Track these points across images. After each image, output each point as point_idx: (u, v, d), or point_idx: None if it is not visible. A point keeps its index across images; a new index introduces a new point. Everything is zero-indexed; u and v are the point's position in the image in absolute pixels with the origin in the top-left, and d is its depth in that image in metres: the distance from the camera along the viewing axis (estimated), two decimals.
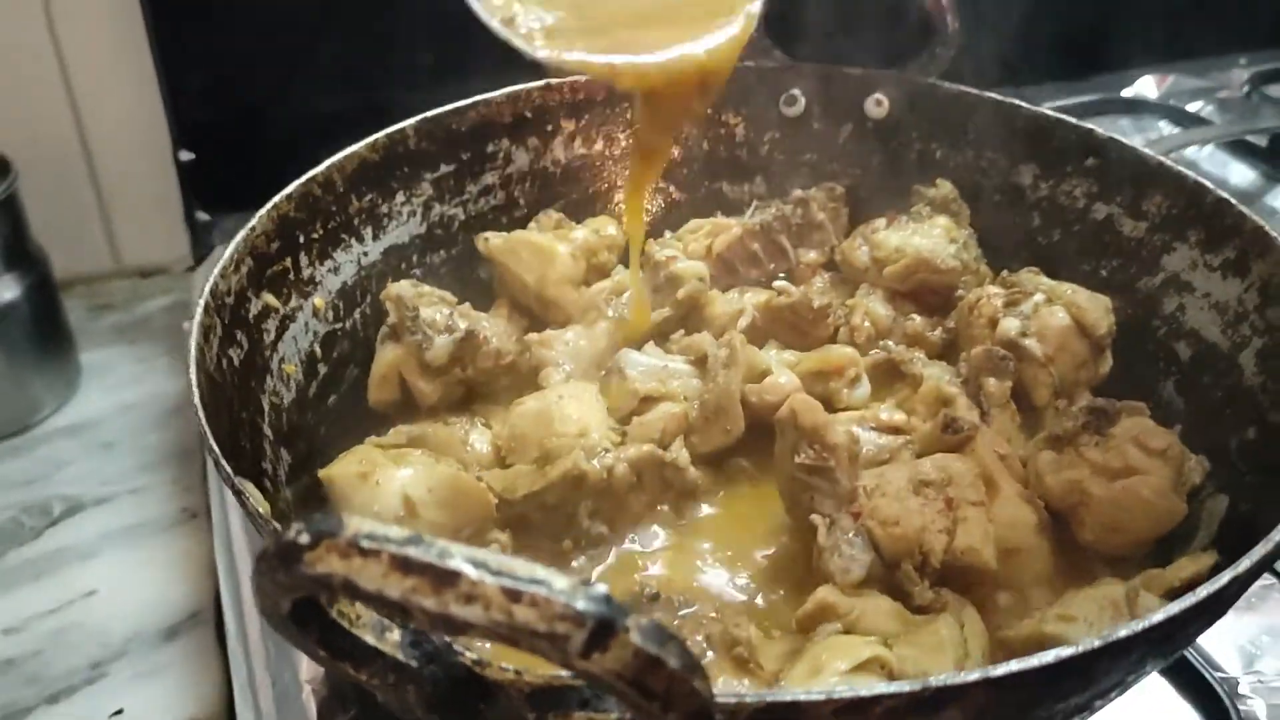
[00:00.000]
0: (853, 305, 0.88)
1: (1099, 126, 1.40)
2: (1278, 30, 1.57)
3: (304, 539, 0.37)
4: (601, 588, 0.37)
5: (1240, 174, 1.36)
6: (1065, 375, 0.81)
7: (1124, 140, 0.86)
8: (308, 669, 0.71)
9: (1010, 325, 0.81)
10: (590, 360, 0.85)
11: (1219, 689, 0.70)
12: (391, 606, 0.37)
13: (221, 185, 1.18)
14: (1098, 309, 0.80)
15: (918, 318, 0.87)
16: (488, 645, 0.53)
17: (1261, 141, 1.35)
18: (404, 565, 0.37)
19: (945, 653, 0.60)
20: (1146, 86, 1.52)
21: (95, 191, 1.17)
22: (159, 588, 0.85)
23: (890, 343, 0.85)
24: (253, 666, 0.73)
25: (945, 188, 0.93)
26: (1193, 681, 0.71)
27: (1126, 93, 1.50)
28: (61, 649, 0.80)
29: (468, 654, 0.45)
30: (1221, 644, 0.74)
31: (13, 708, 0.76)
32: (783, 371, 0.79)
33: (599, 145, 0.99)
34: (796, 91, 0.99)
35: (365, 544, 0.37)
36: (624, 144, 0.99)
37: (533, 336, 0.85)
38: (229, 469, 0.55)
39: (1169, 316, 0.81)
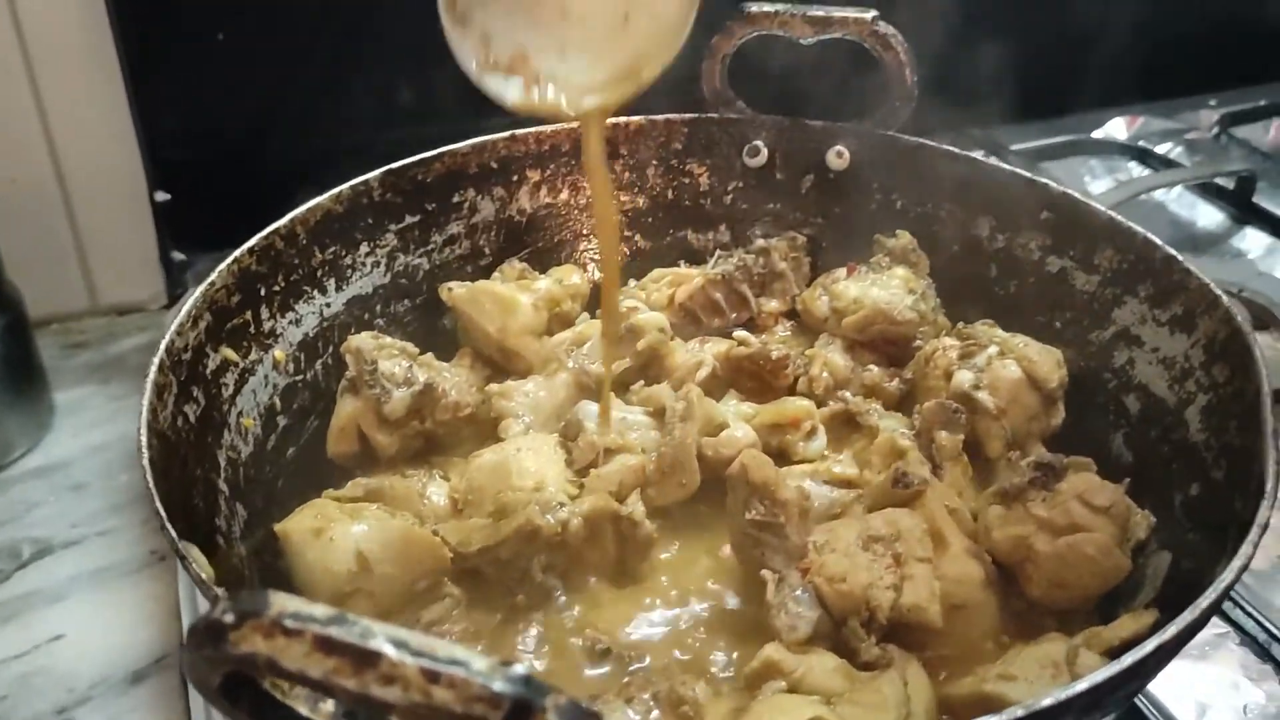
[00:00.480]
0: (812, 355, 0.89)
1: (1070, 168, 1.45)
2: (1247, 71, 1.59)
3: (229, 618, 0.38)
4: (519, 668, 0.37)
5: (1208, 216, 1.37)
6: (1018, 427, 0.82)
7: (1077, 195, 0.87)
8: None
9: (964, 378, 0.82)
10: (550, 411, 0.85)
11: None
12: (314, 685, 0.38)
13: (196, 225, 1.19)
14: (1049, 362, 0.82)
15: (875, 368, 0.89)
16: None
17: (1229, 184, 1.37)
18: (326, 645, 0.38)
19: (888, 712, 0.61)
20: (1117, 128, 1.54)
21: (72, 231, 1.18)
22: (126, 632, 0.85)
23: (848, 394, 0.86)
24: (212, 714, 0.73)
25: (904, 238, 0.94)
26: None
27: (1097, 134, 1.51)
28: (27, 694, 0.80)
29: None
30: (1176, 694, 0.74)
31: None
32: (739, 425, 0.80)
33: (564, 194, 1.00)
34: (759, 143, 1.01)
35: (289, 623, 0.38)
36: (588, 192, 1.00)
37: (493, 387, 0.86)
38: (174, 533, 0.56)
39: (1119, 370, 0.82)
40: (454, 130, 0.95)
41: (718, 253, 0.99)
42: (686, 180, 1.02)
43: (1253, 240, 1.32)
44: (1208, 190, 1.38)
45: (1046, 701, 0.46)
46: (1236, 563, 0.53)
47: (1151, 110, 1.55)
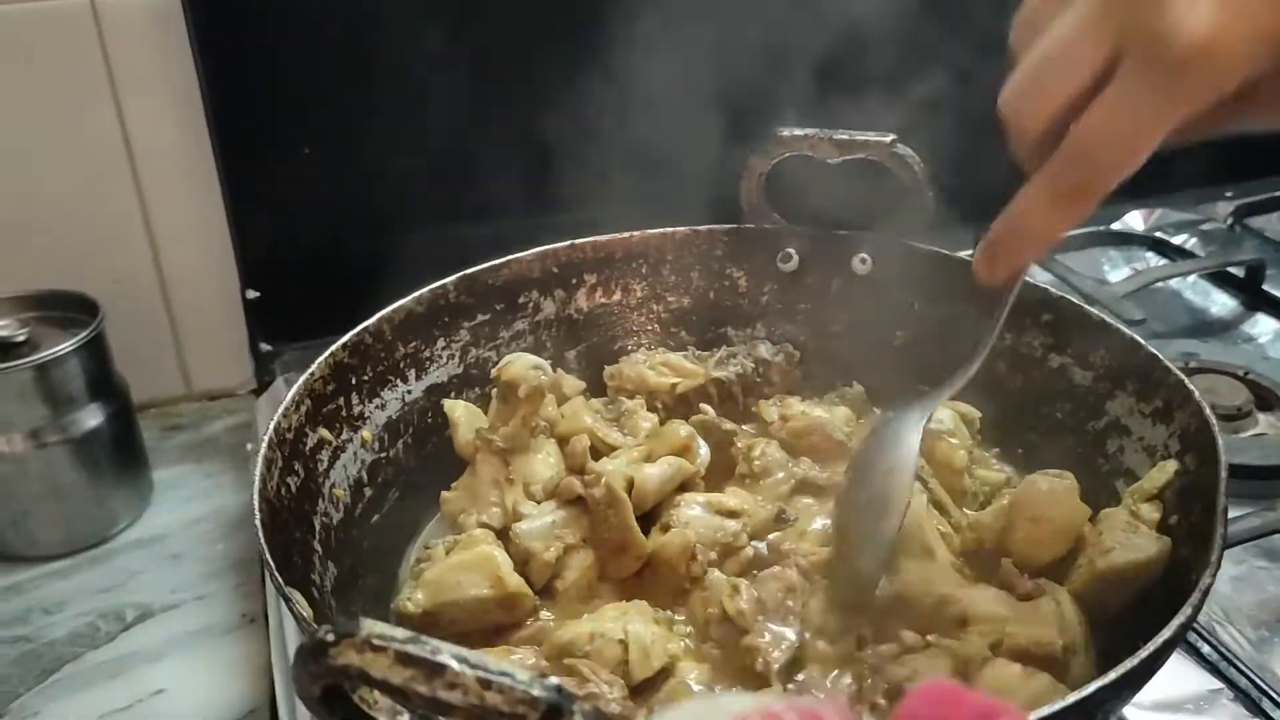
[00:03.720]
0: (752, 443, 0.99)
1: (1090, 258, 1.55)
2: (1262, 163, 1.67)
3: (329, 637, 0.49)
4: (553, 679, 0.48)
5: (1221, 303, 1.45)
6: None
7: (1072, 299, 0.97)
8: None
9: None
10: None
11: None
12: (394, 690, 0.49)
13: (283, 319, 1.33)
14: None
15: (807, 462, 0.98)
16: None
17: (1240, 272, 1.45)
18: (404, 659, 0.49)
19: (1052, 625, 0.76)
20: (1135, 220, 1.63)
21: (170, 325, 1.32)
22: (221, 687, 0.95)
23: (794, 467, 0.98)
24: None
25: (858, 389, 1.07)
26: None
27: (1116, 226, 1.61)
28: None
29: None
30: None
31: None
32: (643, 469, 0.90)
33: (617, 295, 1.12)
34: (791, 250, 1.12)
35: (376, 642, 0.49)
36: (638, 293, 1.13)
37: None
38: (281, 580, 0.68)
39: (1111, 455, 0.91)
40: (511, 227, 1.07)
41: (722, 349, 1.10)
42: (726, 283, 1.14)
43: (1263, 325, 1.40)
44: (1220, 278, 1.46)
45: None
46: (1178, 620, 0.62)
47: (1169, 203, 1.64)
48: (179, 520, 1.15)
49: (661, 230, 1.12)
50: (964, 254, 1.06)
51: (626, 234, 1.11)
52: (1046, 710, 0.56)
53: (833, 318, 1.12)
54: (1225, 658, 0.88)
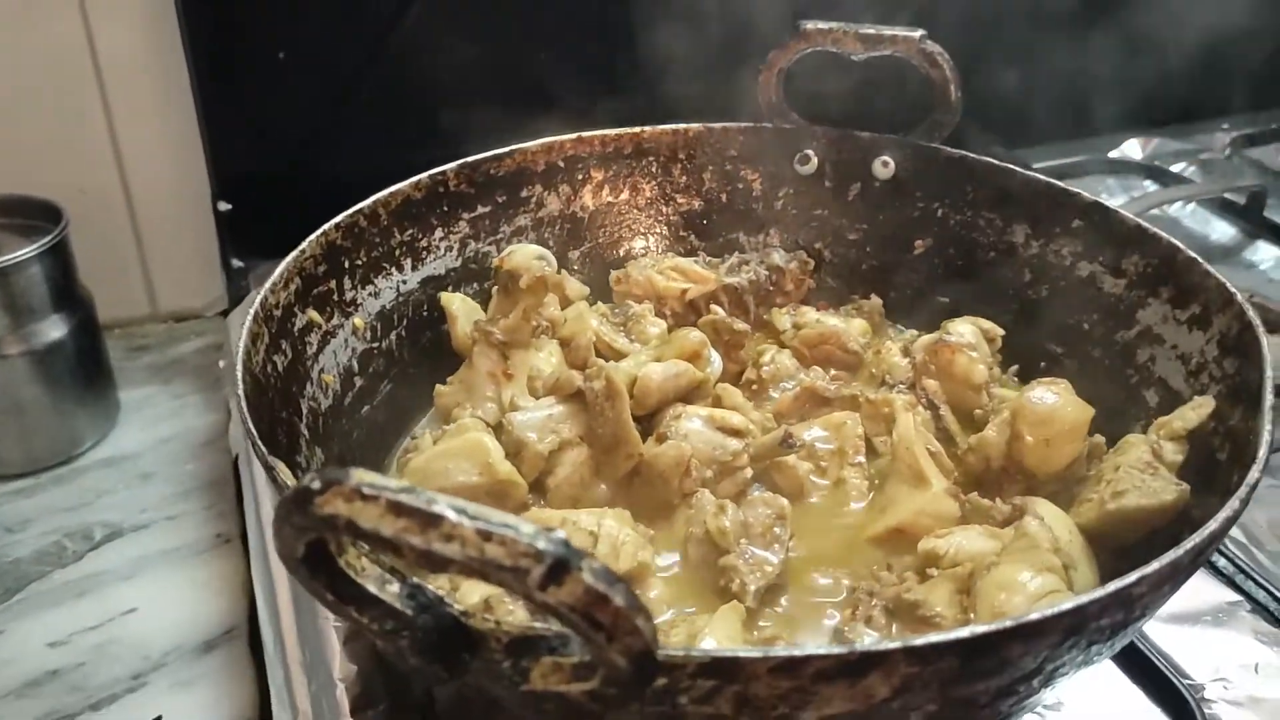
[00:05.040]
0: (762, 349, 0.95)
1: (1088, 185, 1.52)
2: (1258, 95, 1.64)
3: (316, 485, 0.45)
4: (560, 533, 0.44)
5: (1221, 230, 1.42)
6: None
7: (1107, 204, 0.92)
8: (340, 668, 0.77)
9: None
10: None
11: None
12: (385, 543, 0.45)
13: (256, 233, 1.26)
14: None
15: (818, 370, 0.94)
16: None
17: (1240, 199, 1.42)
18: (397, 508, 0.44)
19: (1041, 548, 0.70)
20: (1133, 149, 1.60)
21: (136, 240, 1.26)
22: (195, 606, 0.91)
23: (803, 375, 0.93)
24: (289, 669, 0.78)
25: (875, 302, 1.03)
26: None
27: (1114, 154, 1.57)
28: (104, 661, 0.86)
29: (456, 606, 0.52)
30: (1191, 654, 0.79)
31: (59, 713, 0.81)
32: (648, 366, 0.86)
33: (625, 194, 1.07)
34: (810, 151, 1.07)
35: (366, 490, 0.45)
36: (647, 193, 1.07)
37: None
38: (264, 449, 0.63)
39: (1141, 366, 0.86)
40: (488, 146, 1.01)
41: (735, 255, 1.05)
42: (740, 185, 1.09)
43: (1265, 252, 1.38)
44: (1220, 206, 1.43)
45: (1034, 616, 0.51)
46: (1224, 513, 0.58)
47: (1166, 133, 1.61)
48: (147, 440, 1.10)
49: (673, 126, 1.06)
50: (989, 159, 1.01)
51: (637, 129, 1.06)
52: (1100, 592, 0.52)
53: (851, 224, 1.07)
54: (1243, 570, 0.85)
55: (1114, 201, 1.43)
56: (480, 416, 0.86)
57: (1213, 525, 0.57)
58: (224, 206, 1.26)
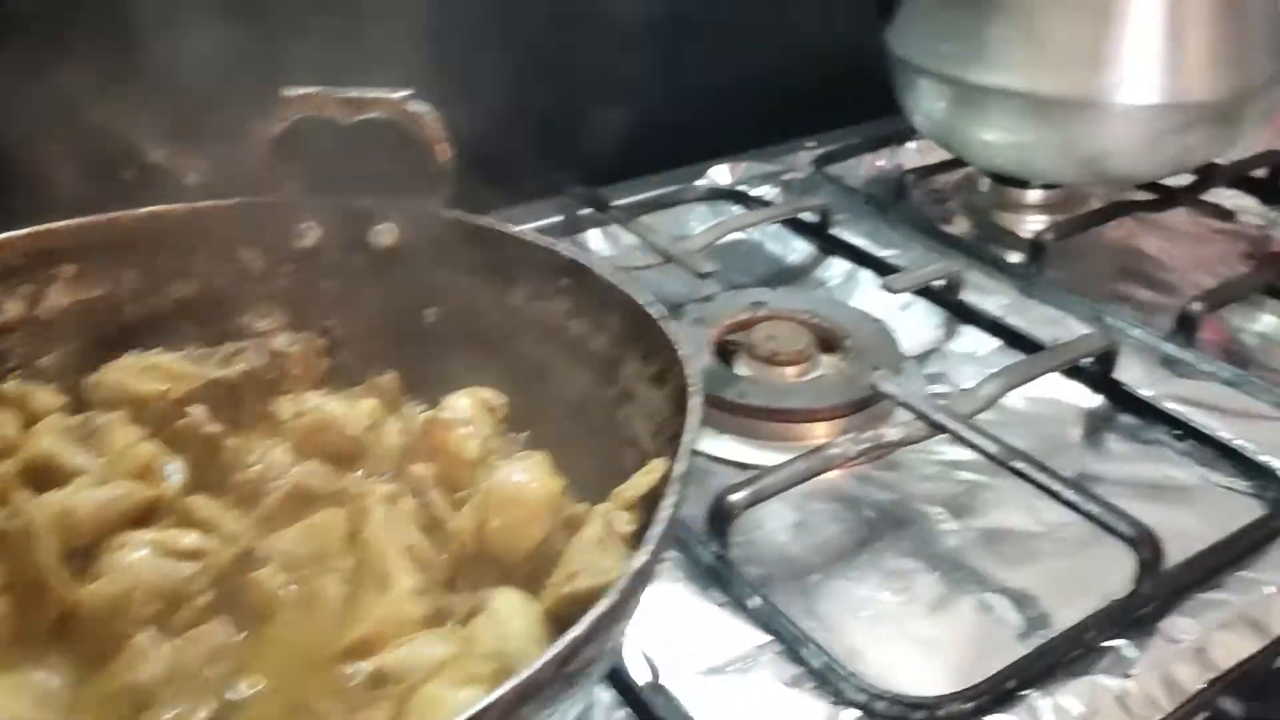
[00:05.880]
0: (249, 450, 0.87)
1: (676, 215, 1.54)
2: (841, 115, 1.73)
3: None
4: None
5: (799, 249, 1.49)
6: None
7: (583, 263, 0.90)
8: None
9: None
10: None
11: None
12: None
13: None
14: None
15: (313, 465, 0.86)
16: None
17: (815, 218, 1.49)
18: None
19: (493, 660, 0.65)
20: (720, 174, 1.65)
21: None
22: None
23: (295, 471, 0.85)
24: None
25: (390, 378, 0.96)
26: None
27: (701, 182, 1.62)
28: None
29: None
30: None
31: None
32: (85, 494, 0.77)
33: (104, 288, 0.97)
34: (310, 224, 1.01)
35: None
36: (131, 285, 0.98)
37: None
38: None
39: (622, 425, 0.85)
40: None
41: (228, 345, 0.98)
42: (238, 266, 1.01)
43: (834, 269, 1.44)
44: (798, 225, 1.50)
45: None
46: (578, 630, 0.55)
47: (755, 157, 1.67)
48: None
49: (150, 210, 0.97)
50: (483, 220, 0.98)
51: (108, 215, 0.96)
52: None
53: (360, 297, 1.01)
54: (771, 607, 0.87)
55: (699, 228, 1.47)
56: None
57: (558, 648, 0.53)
58: None
